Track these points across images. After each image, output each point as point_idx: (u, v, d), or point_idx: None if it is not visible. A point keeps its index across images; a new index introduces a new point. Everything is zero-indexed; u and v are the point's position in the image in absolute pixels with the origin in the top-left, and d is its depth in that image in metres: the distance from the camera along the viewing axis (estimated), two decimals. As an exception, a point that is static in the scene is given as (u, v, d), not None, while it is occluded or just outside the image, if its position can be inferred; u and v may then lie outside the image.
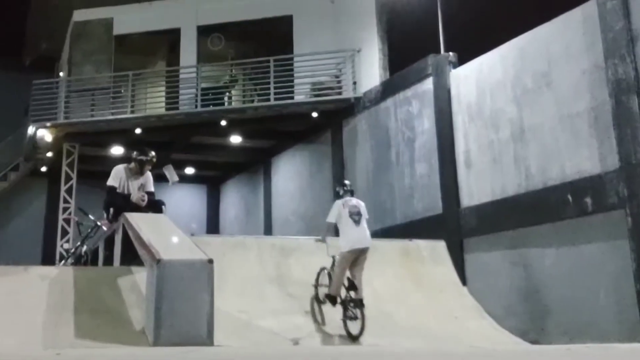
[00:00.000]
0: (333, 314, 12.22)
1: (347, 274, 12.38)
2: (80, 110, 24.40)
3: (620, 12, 13.01)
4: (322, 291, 12.67)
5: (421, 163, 18.00)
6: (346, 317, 12.06)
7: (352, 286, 12.29)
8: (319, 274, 12.85)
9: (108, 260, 12.65)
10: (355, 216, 12.71)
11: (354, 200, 13.09)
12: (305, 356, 5.47)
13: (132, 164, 13.00)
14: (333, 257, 12.61)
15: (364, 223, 12.78)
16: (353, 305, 12.06)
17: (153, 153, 13.11)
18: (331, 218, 12.93)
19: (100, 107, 24.47)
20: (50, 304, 9.61)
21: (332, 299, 12.30)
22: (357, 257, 12.36)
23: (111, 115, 23.82)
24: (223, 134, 24.07)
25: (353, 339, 11.66)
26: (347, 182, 13.99)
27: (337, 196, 13.29)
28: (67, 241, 22.64)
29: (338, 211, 12.81)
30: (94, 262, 13.95)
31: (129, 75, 24.49)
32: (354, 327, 11.75)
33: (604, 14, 13.37)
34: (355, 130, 21.25)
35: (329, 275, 12.70)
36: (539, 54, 14.91)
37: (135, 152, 13.21)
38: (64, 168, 24.22)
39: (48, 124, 23.54)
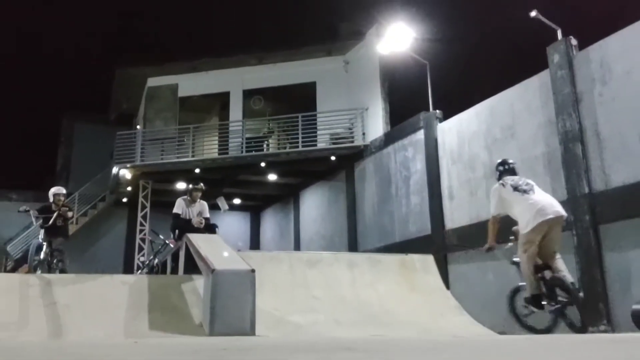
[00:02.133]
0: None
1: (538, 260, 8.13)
2: (153, 154, 24.64)
3: (568, 79, 13.08)
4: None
5: (415, 195, 18.03)
6: (561, 307, 7.90)
7: (549, 270, 8.12)
8: (512, 297, 8.72)
9: (174, 270, 12.66)
10: (524, 186, 8.26)
11: (515, 177, 8.53)
12: (324, 345, 5.54)
13: (187, 195, 13.15)
14: (515, 263, 8.58)
15: (541, 191, 8.35)
16: (561, 288, 7.91)
17: (201, 184, 13.23)
18: (494, 209, 8.54)
19: (167, 152, 24.67)
20: (130, 303, 9.65)
21: (536, 300, 8.08)
22: (545, 235, 7.99)
23: (176, 159, 24.07)
24: (262, 173, 24.15)
25: (577, 330, 7.73)
26: (507, 159, 9.05)
27: (499, 178, 8.72)
28: (143, 255, 22.67)
29: (498, 195, 8.45)
30: (163, 271, 13.99)
31: (190, 128, 24.77)
32: (573, 315, 7.80)
33: (555, 80, 13.43)
34: (364, 170, 21.31)
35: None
36: (506, 111, 14.96)
37: (189, 185, 13.37)
38: (140, 199, 24.45)
39: (128, 166, 23.79)
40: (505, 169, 8.70)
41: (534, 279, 8.03)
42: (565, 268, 8.04)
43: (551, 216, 7.92)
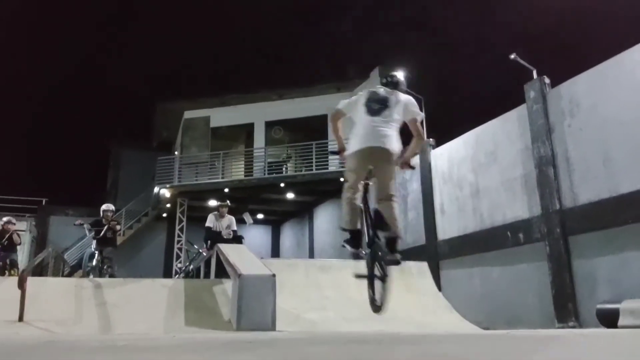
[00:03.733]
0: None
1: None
2: (188, 176, 24.74)
3: (542, 112, 13.11)
4: None
5: (411, 211, 18.01)
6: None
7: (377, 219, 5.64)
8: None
9: (207, 275, 12.73)
10: (375, 104, 5.58)
11: (383, 90, 5.76)
12: (337, 338, 5.57)
13: (216, 210, 13.35)
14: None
15: (387, 116, 5.51)
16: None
17: (227, 201, 13.52)
18: (341, 104, 5.93)
19: (201, 174, 24.76)
20: (169, 303, 9.70)
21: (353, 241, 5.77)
22: (368, 167, 5.65)
23: (208, 180, 24.19)
24: (282, 192, 24.15)
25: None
26: (395, 74, 6.17)
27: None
28: (180, 262, 22.78)
29: (356, 99, 5.82)
30: (197, 276, 14.05)
31: (220, 153, 24.87)
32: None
33: (531, 113, 13.47)
34: (368, 189, 21.31)
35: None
36: (489, 139, 14.98)
37: (217, 202, 13.60)
38: (178, 214, 24.52)
39: (167, 186, 23.92)
40: (387, 82, 5.97)
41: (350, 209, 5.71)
42: (389, 215, 5.60)
43: (369, 145, 5.43)
